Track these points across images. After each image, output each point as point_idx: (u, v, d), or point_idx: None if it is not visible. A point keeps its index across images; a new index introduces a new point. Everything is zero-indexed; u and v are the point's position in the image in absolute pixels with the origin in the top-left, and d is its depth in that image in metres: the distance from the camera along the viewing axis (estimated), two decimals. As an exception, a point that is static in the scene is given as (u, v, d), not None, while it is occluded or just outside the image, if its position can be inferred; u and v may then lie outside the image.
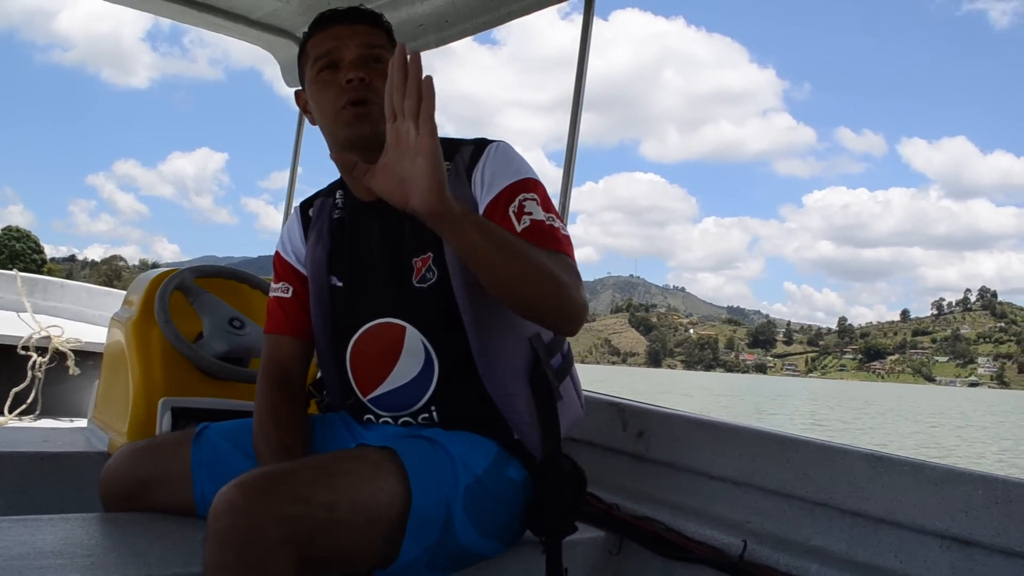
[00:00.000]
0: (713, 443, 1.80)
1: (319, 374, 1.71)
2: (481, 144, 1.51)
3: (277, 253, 1.71)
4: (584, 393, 1.67)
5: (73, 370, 3.33)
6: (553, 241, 1.39)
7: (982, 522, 1.36)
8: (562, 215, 2.27)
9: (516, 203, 1.41)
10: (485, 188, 1.45)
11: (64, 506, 1.80)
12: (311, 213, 1.66)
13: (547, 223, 1.41)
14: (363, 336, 1.55)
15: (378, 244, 1.55)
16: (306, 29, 1.57)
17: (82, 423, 2.55)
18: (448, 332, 1.48)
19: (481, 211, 1.43)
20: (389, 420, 1.54)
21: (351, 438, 1.59)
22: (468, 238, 1.21)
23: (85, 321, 4.23)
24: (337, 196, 1.64)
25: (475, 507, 1.38)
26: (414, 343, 1.50)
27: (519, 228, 1.38)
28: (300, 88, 1.61)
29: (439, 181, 1.16)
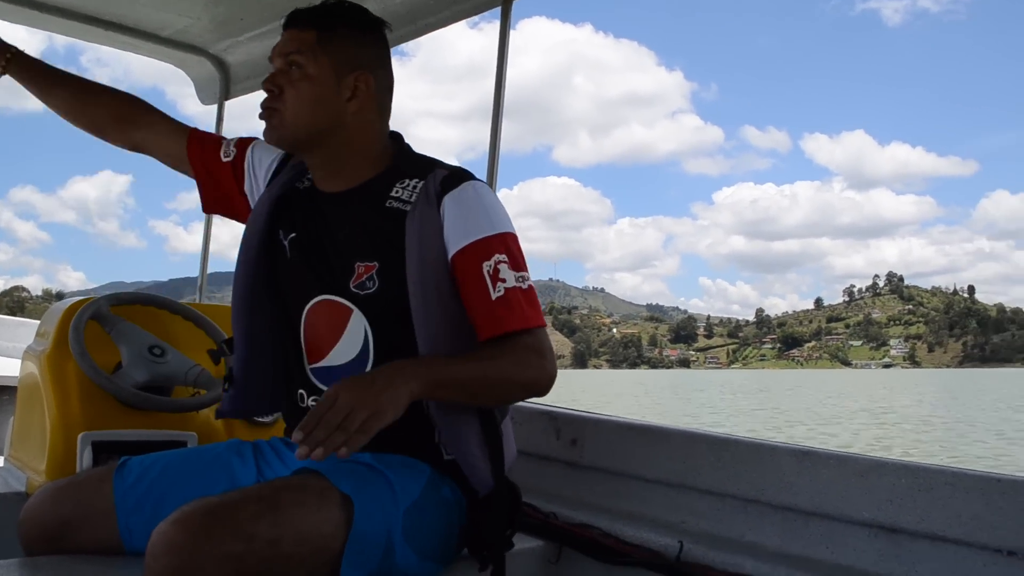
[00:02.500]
0: (646, 446, 1.82)
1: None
2: (458, 175, 1.49)
3: (255, 138, 1.70)
4: (517, 403, 1.67)
5: (-14, 406, 3.19)
6: (521, 318, 1.41)
7: (906, 510, 1.40)
8: None
9: (492, 263, 1.42)
10: (457, 232, 1.44)
11: (-19, 552, 1.72)
12: (291, 162, 1.65)
13: (520, 289, 1.43)
14: (316, 306, 1.52)
15: (326, 234, 1.52)
16: (218, 45, 1.59)
17: (-2, 462, 2.45)
18: (390, 337, 1.47)
19: (450, 255, 1.43)
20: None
21: (281, 464, 1.56)
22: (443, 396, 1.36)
23: (-2, 354, 4.07)
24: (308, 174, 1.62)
25: (413, 530, 1.37)
26: (357, 328, 1.49)
27: (493, 296, 1.40)
28: None
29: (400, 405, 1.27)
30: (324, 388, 1.50)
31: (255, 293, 1.58)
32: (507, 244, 1.45)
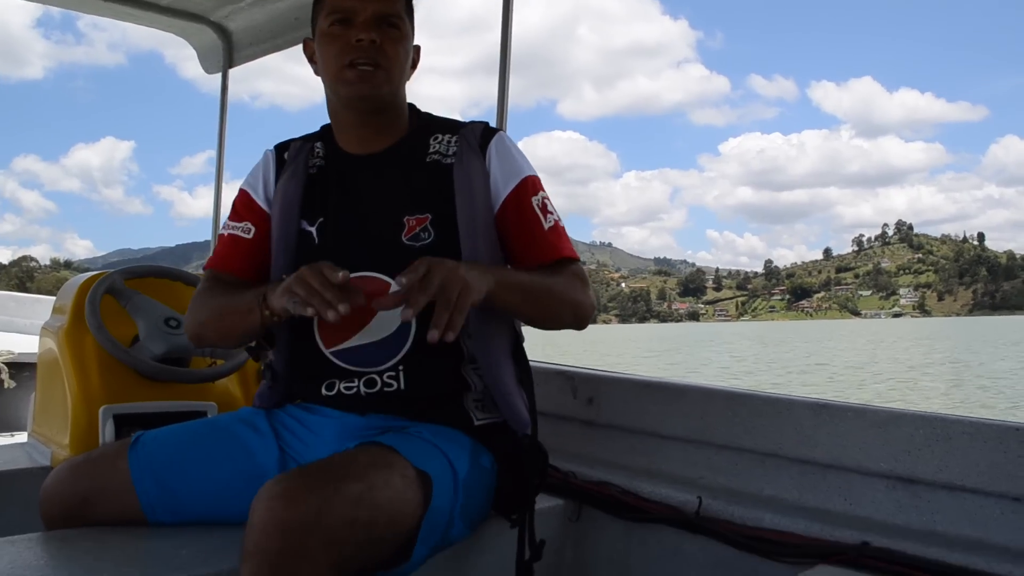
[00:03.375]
0: (662, 403, 1.82)
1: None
2: (488, 127, 1.57)
3: (242, 191, 1.64)
4: (533, 363, 1.68)
5: (8, 383, 3.22)
6: (570, 247, 1.54)
7: (924, 460, 1.40)
8: None
9: (539, 198, 1.53)
10: (505, 175, 1.52)
11: (10, 526, 1.75)
12: (286, 156, 1.62)
13: (560, 223, 1.55)
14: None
15: (366, 196, 1.54)
16: (219, 12, 1.54)
17: (22, 438, 2.48)
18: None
19: (503, 197, 1.51)
20: (353, 384, 1.49)
21: (309, 432, 1.54)
22: (508, 299, 1.39)
23: (16, 331, 4.10)
24: (317, 146, 1.61)
25: (466, 503, 1.40)
26: None
27: (546, 226, 1.52)
28: (310, 37, 1.59)
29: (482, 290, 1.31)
30: (353, 370, 1.49)
31: None
32: (541, 184, 1.57)
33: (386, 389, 1.47)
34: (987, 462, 1.33)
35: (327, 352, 1.51)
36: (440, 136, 1.55)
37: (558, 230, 1.53)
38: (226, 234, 1.62)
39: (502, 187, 1.51)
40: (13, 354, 3.32)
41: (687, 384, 1.83)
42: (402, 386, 1.47)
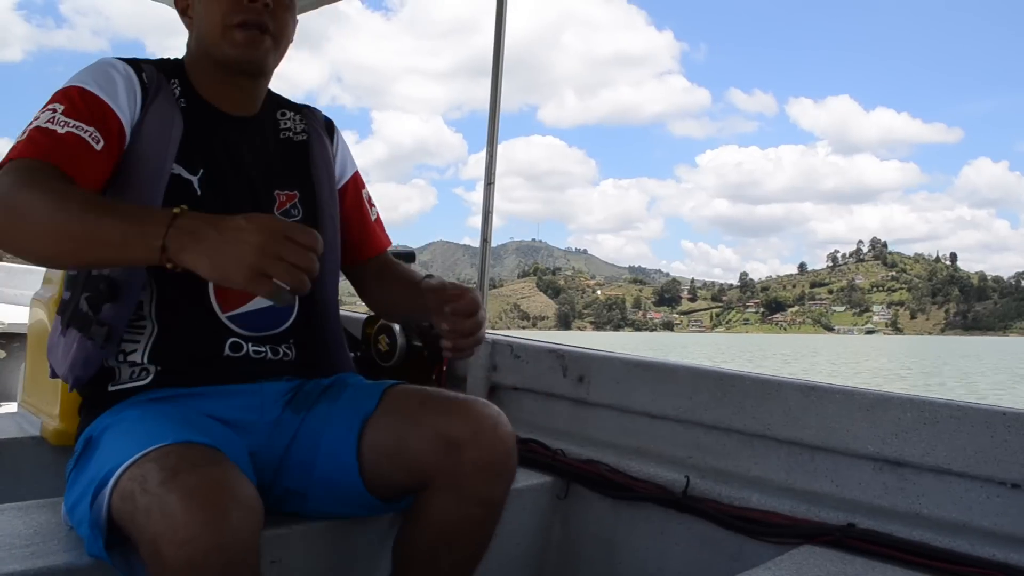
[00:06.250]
0: (652, 383, 1.82)
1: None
2: (328, 118, 1.64)
3: (90, 92, 1.28)
4: (524, 341, 1.70)
5: (-1, 353, 3.22)
6: (387, 237, 1.70)
7: (912, 443, 1.41)
8: (489, 181, 2.60)
9: (366, 192, 1.67)
10: (346, 164, 1.63)
11: (0, 495, 1.75)
12: (145, 79, 1.36)
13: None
14: None
15: (246, 161, 1.43)
16: None
17: (12, 408, 2.48)
18: None
19: (343, 183, 1.61)
20: (262, 349, 1.41)
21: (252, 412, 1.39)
22: None
23: (7, 302, 4.09)
24: (174, 84, 1.40)
25: None
26: None
27: (373, 218, 1.66)
28: None
29: None
30: (250, 335, 1.40)
31: None
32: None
33: (284, 359, 1.46)
34: (974, 446, 1.34)
35: (224, 316, 1.38)
36: (287, 112, 1.56)
37: (380, 222, 1.68)
38: (65, 132, 1.22)
39: (344, 175, 1.61)
40: (4, 324, 3.31)
41: (677, 364, 1.84)
42: (293, 354, 1.47)
